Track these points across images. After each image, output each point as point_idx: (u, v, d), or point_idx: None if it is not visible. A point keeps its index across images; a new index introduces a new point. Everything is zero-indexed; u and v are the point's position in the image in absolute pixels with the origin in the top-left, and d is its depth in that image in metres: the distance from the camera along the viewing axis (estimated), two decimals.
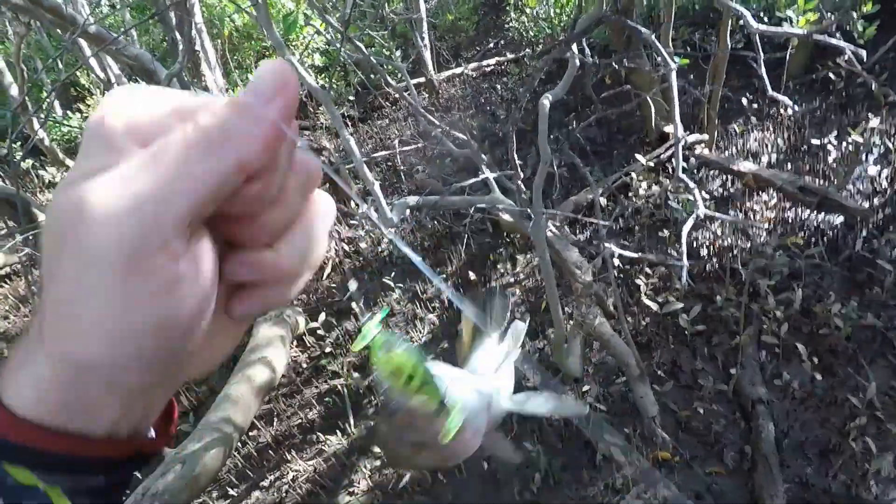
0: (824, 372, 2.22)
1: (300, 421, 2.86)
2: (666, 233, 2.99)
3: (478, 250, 3.35)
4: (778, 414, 2.17)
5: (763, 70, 0.75)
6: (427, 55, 5.07)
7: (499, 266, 3.26)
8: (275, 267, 0.26)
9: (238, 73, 5.48)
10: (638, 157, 3.26)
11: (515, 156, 1.32)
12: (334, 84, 5.27)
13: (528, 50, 5.39)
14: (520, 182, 1.49)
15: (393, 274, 3.31)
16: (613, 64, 1.44)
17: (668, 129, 3.49)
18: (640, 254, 1.55)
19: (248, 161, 0.22)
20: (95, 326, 0.22)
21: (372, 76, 4.75)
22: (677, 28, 4.10)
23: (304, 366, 3.11)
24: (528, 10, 5.58)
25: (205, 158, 0.21)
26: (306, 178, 0.26)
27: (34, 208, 5.05)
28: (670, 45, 3.15)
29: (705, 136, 3.39)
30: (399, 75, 4.61)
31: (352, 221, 3.75)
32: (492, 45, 6.17)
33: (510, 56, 5.56)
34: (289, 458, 2.67)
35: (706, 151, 3.38)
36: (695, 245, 2.93)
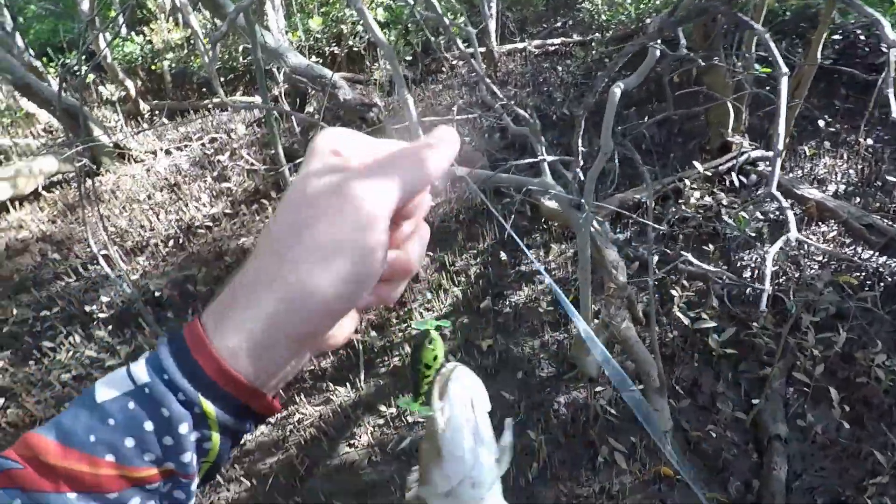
0: (853, 422, 2.11)
1: (312, 367, 2.91)
2: (711, 247, 2.86)
3: (513, 230, 3.28)
4: (794, 454, 2.09)
5: (893, 91, 0.66)
6: (492, 25, 4.91)
7: (531, 251, 3.20)
8: (402, 264, 0.34)
9: (300, 16, 5.42)
10: (696, 164, 3.11)
11: (580, 142, 1.25)
12: (394, 41, 5.17)
13: (597, 34, 5.16)
14: (578, 169, 1.42)
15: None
16: (698, 60, 1.33)
17: (734, 139, 3.31)
18: (711, 268, 1.47)
19: (432, 180, 0.32)
20: (331, 271, 0.29)
21: (433, 38, 4.63)
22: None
23: None
24: None
25: (414, 170, 0.31)
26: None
27: (91, 122, 5.18)
28: (754, 49, 2.95)
29: (771, 153, 3.20)
30: (463, 40, 4.48)
31: None
32: (559, 24, 5.94)
33: (577, 38, 5.34)
34: (297, 400, 2.72)
35: (770, 169, 3.20)
36: (739, 265, 2.80)
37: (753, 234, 2.84)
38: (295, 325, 0.29)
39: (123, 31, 6.98)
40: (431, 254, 3.27)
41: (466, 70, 4.97)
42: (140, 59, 6.92)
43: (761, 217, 3.01)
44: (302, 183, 0.31)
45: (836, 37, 3.84)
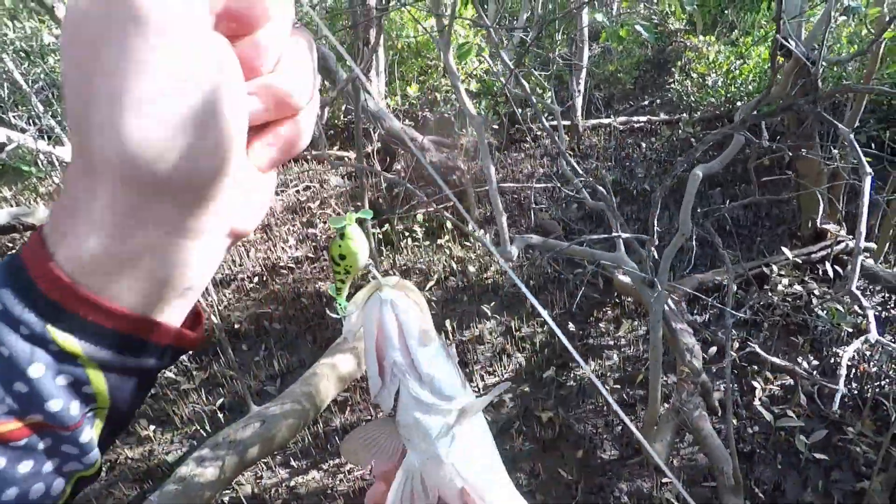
0: None
1: (369, 417, 2.95)
2: (800, 339, 2.66)
3: (583, 302, 3.25)
4: None
5: None
6: (578, 101, 5.07)
7: (601, 325, 3.13)
8: (277, 88, 0.26)
9: (399, 84, 5.91)
10: (785, 250, 2.96)
11: (656, 222, 1.27)
12: (482, 111, 5.47)
13: (684, 114, 5.17)
14: (653, 249, 1.43)
15: (493, 303, 3.32)
16: (784, 149, 1.33)
17: (828, 226, 3.13)
18: (786, 362, 1.40)
19: None
20: (150, 104, 0.21)
21: (520, 110, 4.86)
22: (864, 121, 3.69)
23: None
24: (693, 75, 5.37)
25: None
26: (285, 6, 0.26)
27: None
28: (856, 122, 2.83)
29: (873, 246, 2.99)
30: (547, 114, 4.66)
31: (465, 242, 3.83)
32: (647, 102, 6.01)
33: (664, 117, 5.37)
34: None
35: (871, 262, 2.97)
36: (832, 361, 2.58)
37: (851, 330, 2.62)
38: (143, 210, 0.23)
39: None
40: (498, 317, 3.29)
41: (549, 141, 5.13)
42: None
43: (859, 311, 2.77)
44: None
45: None
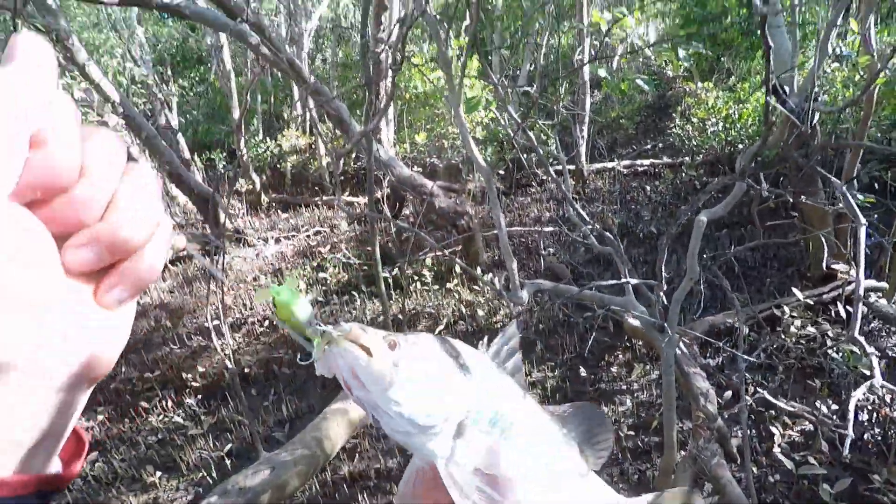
0: None
1: (379, 466, 2.90)
2: (817, 383, 2.62)
3: (594, 346, 3.23)
4: None
5: None
6: (582, 147, 5.21)
7: (613, 369, 3.10)
8: (112, 235, 0.26)
9: (408, 132, 6.10)
10: (795, 291, 2.96)
11: (663, 267, 1.30)
12: (489, 157, 5.61)
13: (686, 158, 5.27)
14: (662, 293, 1.46)
15: None
16: (785, 195, 1.37)
17: (839, 266, 3.14)
18: (795, 406, 1.39)
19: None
20: None
21: (525, 155, 4.98)
22: (864, 161, 3.74)
23: None
24: (694, 120, 5.51)
25: None
26: (109, 151, 0.26)
27: (220, 208, 5.98)
28: (854, 172, 2.88)
29: (884, 285, 2.98)
30: (552, 160, 4.78)
31: (474, 286, 3.86)
32: (649, 146, 6.15)
33: (667, 160, 5.48)
34: (360, 498, 2.70)
35: (883, 302, 2.96)
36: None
37: (868, 372, 2.58)
38: None
39: (260, 134, 8.22)
40: None
41: (555, 186, 5.23)
42: (269, 158, 8.04)
43: (877, 353, 2.74)
44: None
45: None
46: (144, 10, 6.45)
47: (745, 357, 1.50)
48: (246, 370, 3.90)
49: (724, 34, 6.35)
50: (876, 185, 3.65)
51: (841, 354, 2.58)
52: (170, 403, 3.62)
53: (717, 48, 6.45)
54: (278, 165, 7.96)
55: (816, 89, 3.04)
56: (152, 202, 0.28)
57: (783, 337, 2.89)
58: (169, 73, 9.45)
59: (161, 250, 0.28)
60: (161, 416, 3.52)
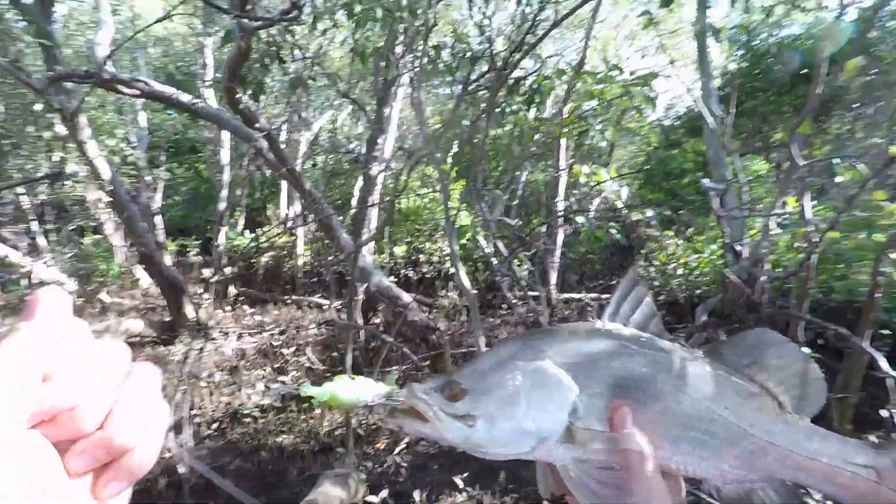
0: None
1: None
2: None
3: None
4: None
5: None
6: (553, 276, 5.47)
7: None
8: (107, 443, 0.29)
9: (387, 243, 6.30)
10: None
11: None
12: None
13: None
14: None
15: (466, 474, 3.18)
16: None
17: None
18: None
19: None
20: None
21: (498, 278, 5.19)
22: (813, 310, 4.00)
23: None
24: (656, 263, 5.91)
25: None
26: (111, 364, 0.30)
27: (185, 296, 5.85)
28: (801, 335, 3.09)
29: None
30: (524, 285, 4.97)
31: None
32: (615, 282, 6.49)
33: None
34: None
35: None
36: None
37: None
38: None
39: (240, 225, 8.31)
40: (470, 489, 3.13)
41: (525, 310, 5.39)
42: (245, 251, 8.07)
43: None
44: None
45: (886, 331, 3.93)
46: (178, 111, 6.82)
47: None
48: (184, 478, 3.56)
49: (683, 190, 7.08)
50: (822, 341, 3.88)
51: None
52: None
53: (675, 201, 7.14)
54: (252, 260, 7.98)
55: (764, 250, 3.38)
56: (149, 407, 0.31)
57: None
58: (162, 158, 9.74)
59: (155, 445, 0.31)
60: None
